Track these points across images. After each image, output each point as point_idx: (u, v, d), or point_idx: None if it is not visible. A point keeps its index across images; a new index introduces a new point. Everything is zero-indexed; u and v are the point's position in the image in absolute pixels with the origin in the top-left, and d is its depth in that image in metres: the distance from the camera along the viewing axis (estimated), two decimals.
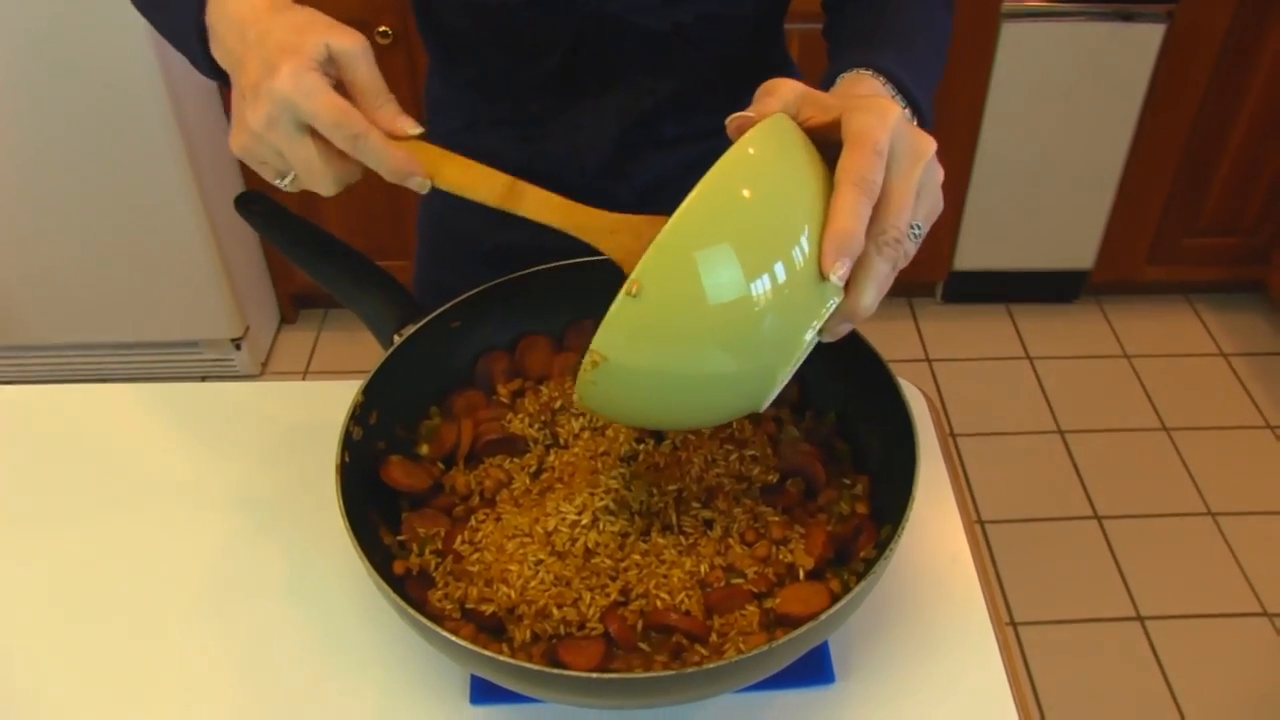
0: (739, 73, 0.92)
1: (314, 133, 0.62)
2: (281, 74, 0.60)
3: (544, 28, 0.86)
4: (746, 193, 0.54)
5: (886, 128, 0.56)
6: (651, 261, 0.53)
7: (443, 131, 0.98)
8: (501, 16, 0.86)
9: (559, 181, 0.94)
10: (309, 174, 0.64)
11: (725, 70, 0.92)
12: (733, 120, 0.61)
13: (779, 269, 0.54)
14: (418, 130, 0.66)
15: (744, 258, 0.53)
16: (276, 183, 0.66)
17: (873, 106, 0.57)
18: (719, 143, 0.95)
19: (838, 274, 0.54)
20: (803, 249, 0.54)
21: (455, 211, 0.71)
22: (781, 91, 0.61)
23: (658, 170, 0.95)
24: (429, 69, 1.00)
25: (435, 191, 0.67)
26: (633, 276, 0.54)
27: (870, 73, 0.70)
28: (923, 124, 0.71)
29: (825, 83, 0.72)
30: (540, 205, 0.67)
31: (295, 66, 0.61)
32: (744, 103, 0.89)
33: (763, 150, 0.56)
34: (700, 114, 0.93)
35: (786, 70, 1.01)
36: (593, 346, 0.56)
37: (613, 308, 0.55)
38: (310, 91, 0.60)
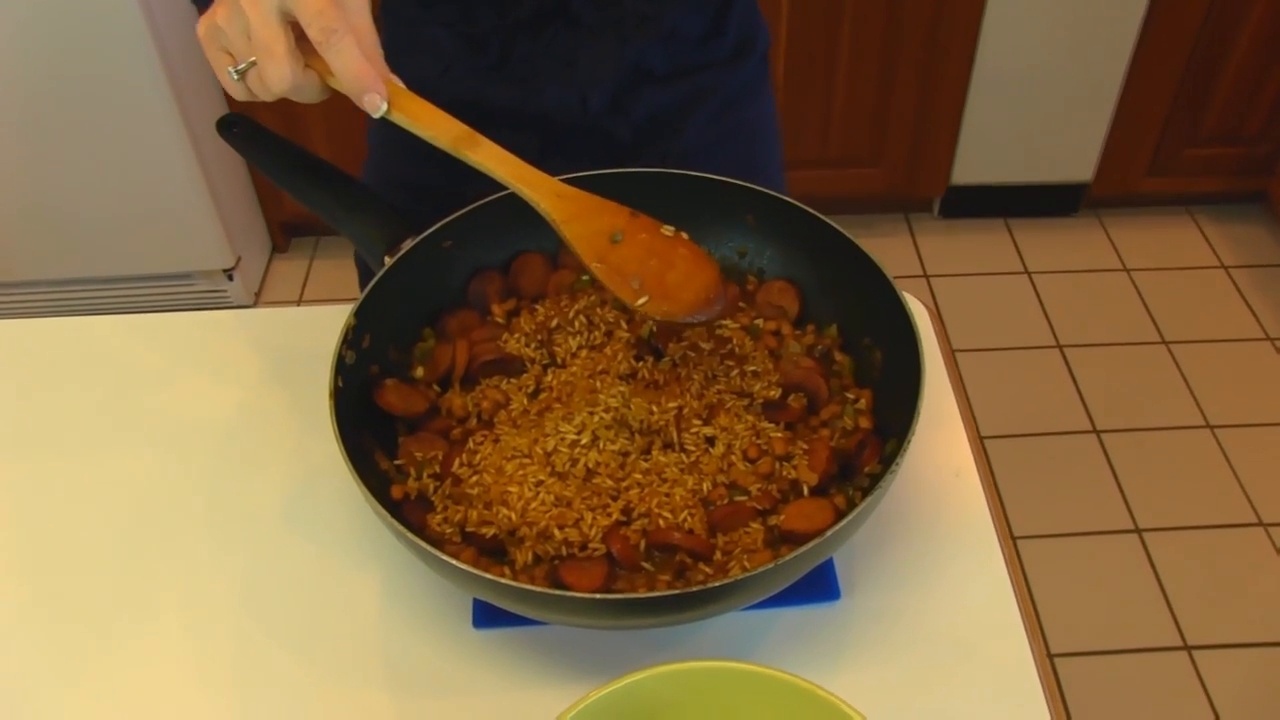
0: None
1: (291, 27, 0.62)
2: None
3: None
4: None
5: None
6: None
7: (408, 80, 0.94)
8: None
9: (554, 123, 0.92)
10: (268, 61, 0.63)
11: None
12: None
13: None
14: (402, 87, 0.67)
15: None
16: (227, 74, 0.65)
17: None
18: (704, 78, 0.94)
19: None
20: None
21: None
22: None
23: (654, 105, 0.93)
24: (385, 22, 0.94)
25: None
26: None
27: None
28: None
29: None
30: (494, 157, 0.69)
31: None
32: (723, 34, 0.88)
33: None
34: (685, 48, 0.91)
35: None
36: None
37: None
38: None
